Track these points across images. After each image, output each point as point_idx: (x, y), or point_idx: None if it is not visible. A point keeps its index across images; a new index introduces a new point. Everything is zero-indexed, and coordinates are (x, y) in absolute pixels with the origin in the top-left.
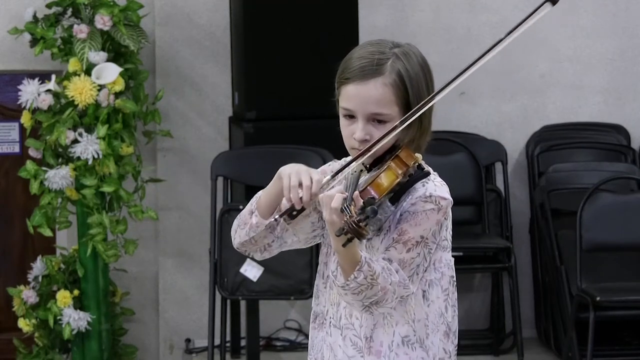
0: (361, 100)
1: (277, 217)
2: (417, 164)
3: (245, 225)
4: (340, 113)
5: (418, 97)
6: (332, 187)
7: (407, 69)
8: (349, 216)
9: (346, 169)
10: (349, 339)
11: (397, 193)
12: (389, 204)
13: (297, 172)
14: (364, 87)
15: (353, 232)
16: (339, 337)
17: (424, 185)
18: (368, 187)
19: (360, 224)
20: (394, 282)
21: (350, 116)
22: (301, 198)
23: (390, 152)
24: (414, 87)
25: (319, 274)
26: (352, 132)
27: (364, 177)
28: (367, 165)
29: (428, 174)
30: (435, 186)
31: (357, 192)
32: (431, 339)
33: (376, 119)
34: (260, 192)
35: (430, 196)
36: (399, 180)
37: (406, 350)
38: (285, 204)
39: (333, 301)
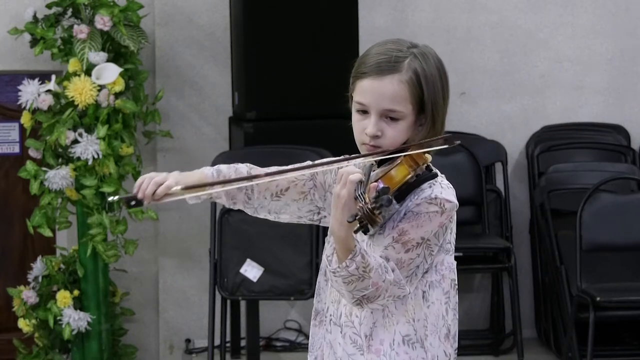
0: (376, 95)
1: (114, 198)
2: (425, 164)
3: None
4: (353, 108)
5: (433, 97)
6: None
7: (423, 69)
8: (364, 203)
9: (346, 161)
10: (348, 337)
11: (403, 192)
12: (394, 201)
13: (160, 174)
14: (380, 82)
15: (367, 218)
16: (338, 334)
17: (430, 187)
18: (380, 180)
19: (375, 211)
20: (388, 280)
21: (364, 111)
22: (146, 190)
23: (401, 150)
24: (430, 87)
25: (321, 271)
26: (364, 127)
27: (375, 171)
28: (378, 162)
29: (436, 175)
30: (442, 188)
31: (374, 184)
32: (430, 340)
33: (389, 116)
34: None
35: (436, 198)
36: (410, 175)
37: (407, 350)
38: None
39: (334, 299)
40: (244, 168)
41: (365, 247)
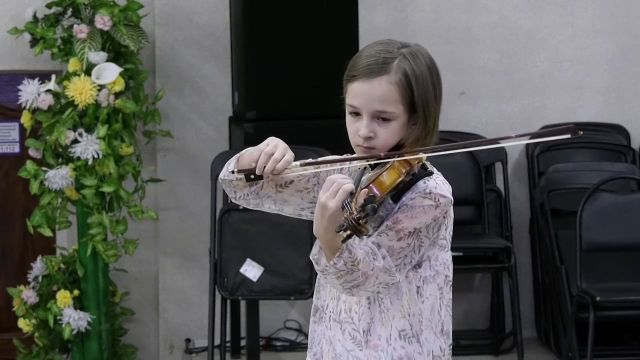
0: (366, 97)
1: (234, 170)
2: (420, 163)
3: (229, 166)
4: (346, 110)
5: (424, 97)
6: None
7: (413, 69)
8: (349, 213)
9: (339, 164)
10: (348, 333)
11: (399, 191)
12: (391, 201)
13: (277, 144)
14: (370, 84)
15: (352, 229)
16: (338, 331)
17: (425, 183)
18: (370, 185)
19: (360, 221)
20: (376, 267)
21: (356, 113)
22: (265, 166)
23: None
24: (420, 88)
25: None
26: (356, 129)
27: (367, 175)
28: (372, 165)
29: (431, 173)
30: (437, 184)
31: (359, 190)
32: (425, 334)
33: (381, 117)
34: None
35: (430, 193)
36: (401, 179)
37: (403, 344)
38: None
39: (333, 295)
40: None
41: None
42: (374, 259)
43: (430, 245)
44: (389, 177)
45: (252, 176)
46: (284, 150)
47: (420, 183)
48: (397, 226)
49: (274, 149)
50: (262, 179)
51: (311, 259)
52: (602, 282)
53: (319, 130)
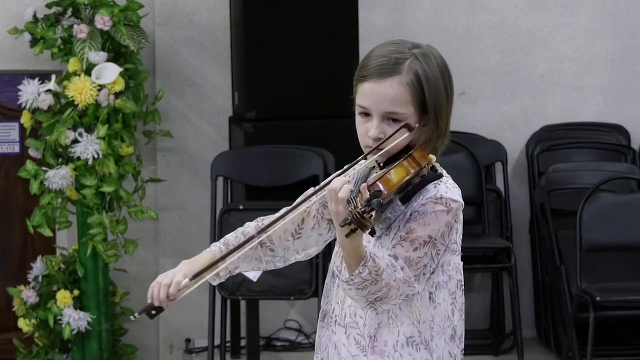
0: (376, 98)
1: (136, 314)
2: (430, 165)
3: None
4: (356, 111)
5: (435, 98)
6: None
7: (424, 70)
8: (354, 206)
9: (356, 165)
10: (352, 338)
11: (409, 193)
12: (400, 203)
13: (164, 273)
14: (380, 85)
15: (356, 223)
16: (343, 335)
17: (435, 187)
18: (377, 182)
19: (365, 215)
20: (398, 278)
21: (366, 114)
22: (159, 295)
23: (405, 152)
24: (431, 89)
25: (329, 273)
26: (366, 130)
27: (375, 174)
28: (381, 164)
29: (441, 175)
30: (447, 188)
31: (364, 184)
32: (436, 341)
33: (391, 118)
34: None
35: (441, 198)
36: (408, 177)
37: (410, 351)
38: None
39: (339, 299)
40: (252, 228)
41: (371, 247)
42: (394, 270)
43: (444, 251)
44: (396, 175)
45: (153, 312)
46: (171, 275)
47: (431, 187)
48: (411, 236)
49: (162, 278)
50: (163, 309)
51: (334, 270)
52: (602, 282)
53: (318, 130)
